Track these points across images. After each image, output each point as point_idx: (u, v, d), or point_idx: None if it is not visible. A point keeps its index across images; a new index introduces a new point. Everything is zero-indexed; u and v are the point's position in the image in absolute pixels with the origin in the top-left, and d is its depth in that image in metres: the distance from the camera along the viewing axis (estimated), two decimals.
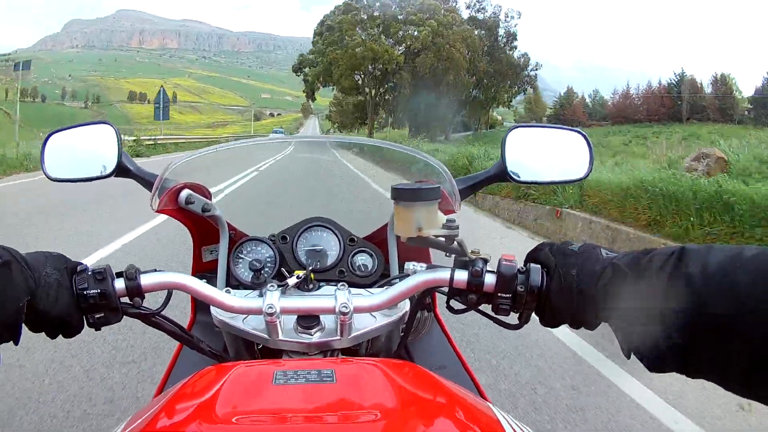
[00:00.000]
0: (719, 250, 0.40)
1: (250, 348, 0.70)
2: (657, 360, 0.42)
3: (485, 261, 0.57)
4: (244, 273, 0.85)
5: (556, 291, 0.51)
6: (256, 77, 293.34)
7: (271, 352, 0.66)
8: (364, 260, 0.89)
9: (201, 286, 0.59)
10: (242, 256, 0.87)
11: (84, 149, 0.83)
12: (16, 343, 0.49)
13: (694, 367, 0.40)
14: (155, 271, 0.58)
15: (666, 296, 0.40)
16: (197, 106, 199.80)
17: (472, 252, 0.58)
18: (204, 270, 0.94)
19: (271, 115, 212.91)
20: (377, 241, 0.92)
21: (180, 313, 1.14)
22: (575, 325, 0.51)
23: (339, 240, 0.90)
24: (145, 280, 0.57)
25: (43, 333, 0.52)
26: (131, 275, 0.56)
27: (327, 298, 0.60)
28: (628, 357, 0.45)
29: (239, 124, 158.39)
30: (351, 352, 0.70)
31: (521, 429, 0.47)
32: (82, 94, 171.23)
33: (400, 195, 0.57)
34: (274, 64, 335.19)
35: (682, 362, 0.40)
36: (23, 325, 0.49)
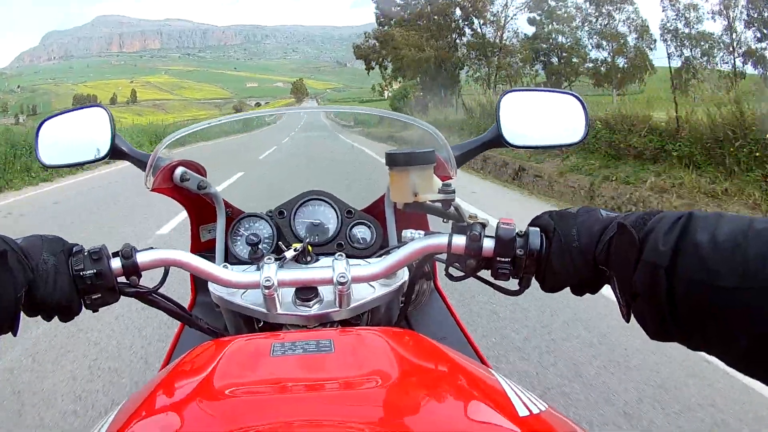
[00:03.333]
0: (729, 220, 0.38)
1: (250, 324, 0.68)
2: (660, 328, 0.40)
3: (483, 225, 0.55)
4: (242, 249, 0.82)
5: (556, 252, 0.49)
6: (244, 68, 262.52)
7: (271, 328, 0.64)
8: (362, 232, 0.87)
9: (197, 262, 0.58)
10: (240, 232, 0.84)
11: (77, 134, 0.80)
12: (15, 333, 0.47)
13: (697, 340, 0.38)
14: (151, 248, 0.57)
15: (673, 262, 0.38)
16: (165, 104, 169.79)
17: (470, 217, 0.56)
18: (203, 250, 0.92)
19: (257, 104, 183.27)
20: (375, 213, 0.90)
21: (185, 293, 1.00)
22: (577, 289, 0.50)
23: (336, 213, 0.88)
24: (142, 257, 0.55)
25: (39, 316, 0.51)
26: (127, 254, 0.54)
27: (324, 269, 0.59)
28: (628, 320, 0.43)
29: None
30: (351, 324, 0.66)
31: (524, 395, 0.45)
32: (17, 107, 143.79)
33: (394, 160, 0.55)
34: (263, 55, 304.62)
35: (686, 334, 0.39)
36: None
